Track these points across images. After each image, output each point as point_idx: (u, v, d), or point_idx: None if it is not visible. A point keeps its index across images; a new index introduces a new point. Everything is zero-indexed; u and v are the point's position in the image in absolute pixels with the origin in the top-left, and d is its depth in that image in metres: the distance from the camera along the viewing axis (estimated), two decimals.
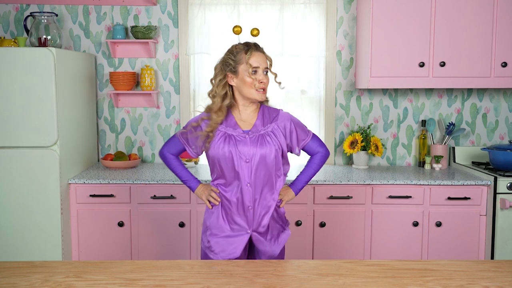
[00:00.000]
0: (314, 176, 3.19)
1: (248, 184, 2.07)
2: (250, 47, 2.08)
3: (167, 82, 3.67)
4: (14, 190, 2.98)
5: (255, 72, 2.06)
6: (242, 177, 2.06)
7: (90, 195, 3.12)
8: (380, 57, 3.26)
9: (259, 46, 2.11)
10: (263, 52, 2.10)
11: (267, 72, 2.09)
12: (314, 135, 2.25)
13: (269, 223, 2.13)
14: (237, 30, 2.32)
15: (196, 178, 2.30)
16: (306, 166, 2.29)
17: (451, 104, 3.68)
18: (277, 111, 2.17)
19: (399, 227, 3.14)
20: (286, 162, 2.19)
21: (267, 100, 2.22)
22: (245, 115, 2.13)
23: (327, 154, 2.28)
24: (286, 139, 2.14)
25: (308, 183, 3.09)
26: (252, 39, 2.29)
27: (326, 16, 3.60)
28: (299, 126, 2.19)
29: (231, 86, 2.12)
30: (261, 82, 2.05)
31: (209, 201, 2.16)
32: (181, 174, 2.28)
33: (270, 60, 2.12)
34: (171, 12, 3.62)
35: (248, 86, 2.06)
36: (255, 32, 2.37)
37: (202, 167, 3.54)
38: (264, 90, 2.08)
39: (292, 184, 2.27)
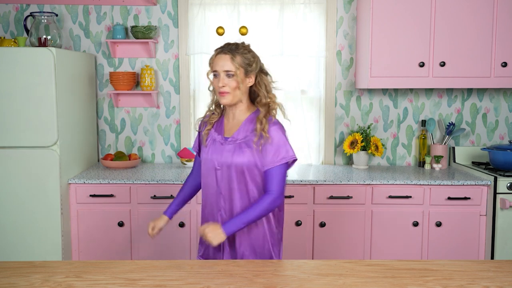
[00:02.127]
0: (314, 176, 3.19)
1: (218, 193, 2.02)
2: (217, 50, 2.02)
3: (167, 82, 3.67)
4: (14, 190, 2.98)
5: (216, 76, 2.01)
6: (211, 184, 2.04)
7: (90, 195, 3.12)
8: (380, 57, 3.27)
9: (228, 48, 2.00)
10: (229, 53, 1.97)
11: (232, 75, 1.97)
12: (283, 166, 1.97)
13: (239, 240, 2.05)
14: (219, 31, 2.32)
15: (173, 207, 2.23)
16: (251, 205, 1.96)
17: (451, 104, 3.68)
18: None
19: (399, 227, 3.14)
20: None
21: (271, 109, 2.03)
22: (234, 121, 2.07)
23: (276, 201, 1.95)
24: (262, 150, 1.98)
25: (309, 183, 3.09)
26: (241, 38, 2.25)
27: (326, 16, 3.60)
28: (277, 143, 1.97)
29: None
30: (220, 86, 1.98)
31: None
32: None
33: (239, 62, 1.97)
34: (171, 12, 3.62)
35: (215, 90, 2.03)
36: (243, 30, 2.36)
37: None
38: (229, 93, 1.98)
39: (224, 224, 1.94)
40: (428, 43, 3.25)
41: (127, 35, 3.63)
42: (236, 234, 2.02)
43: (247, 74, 2.00)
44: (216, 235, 1.90)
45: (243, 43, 2.05)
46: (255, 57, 2.03)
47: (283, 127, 2.02)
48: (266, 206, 1.94)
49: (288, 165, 2.01)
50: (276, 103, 2.04)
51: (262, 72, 2.06)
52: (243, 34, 2.42)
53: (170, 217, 2.23)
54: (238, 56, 1.98)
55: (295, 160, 2.01)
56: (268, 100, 2.03)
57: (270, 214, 2.04)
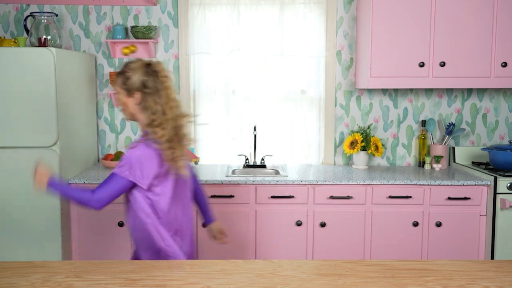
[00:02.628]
0: (314, 176, 3.19)
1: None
2: None
3: None
4: (14, 190, 2.98)
5: None
6: None
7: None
8: (380, 57, 3.27)
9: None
10: (115, 76, 2.06)
11: (116, 92, 2.04)
12: (112, 177, 1.94)
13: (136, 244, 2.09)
14: (124, 51, 2.40)
15: (203, 214, 2.39)
16: (76, 188, 1.98)
17: (451, 104, 3.68)
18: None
19: (399, 227, 3.14)
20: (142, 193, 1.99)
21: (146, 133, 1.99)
22: None
23: (90, 201, 1.92)
24: None
25: (309, 183, 3.09)
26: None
27: (326, 16, 3.60)
28: (123, 157, 1.96)
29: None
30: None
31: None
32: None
33: (119, 83, 2.02)
34: (171, 12, 3.62)
35: None
36: (125, 51, 2.44)
37: (202, 167, 3.54)
38: (122, 112, 2.05)
39: (53, 181, 2.00)
40: (428, 43, 3.25)
41: (127, 35, 3.63)
42: (135, 241, 2.07)
43: (129, 93, 2.00)
44: (40, 180, 1.99)
45: (136, 61, 2.03)
46: (136, 74, 1.97)
47: (143, 150, 1.92)
48: (81, 198, 1.93)
49: (124, 182, 1.93)
50: (153, 126, 1.95)
51: (144, 91, 1.97)
52: (125, 54, 2.50)
53: (209, 222, 2.37)
54: (118, 78, 2.02)
55: (128, 180, 1.93)
56: (146, 119, 1.98)
57: (150, 226, 2.00)
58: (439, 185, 3.11)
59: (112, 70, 3.65)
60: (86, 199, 1.93)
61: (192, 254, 2.15)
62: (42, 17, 3.21)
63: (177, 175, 2.02)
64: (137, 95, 1.98)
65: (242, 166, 3.62)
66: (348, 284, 1.61)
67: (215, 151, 3.72)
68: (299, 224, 3.12)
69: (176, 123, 2.00)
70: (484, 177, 3.18)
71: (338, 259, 2.61)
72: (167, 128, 1.96)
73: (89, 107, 3.54)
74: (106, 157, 3.48)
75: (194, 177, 2.34)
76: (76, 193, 1.95)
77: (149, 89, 1.97)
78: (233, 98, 3.66)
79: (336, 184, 3.11)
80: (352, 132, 3.67)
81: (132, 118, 2.05)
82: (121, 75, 2.00)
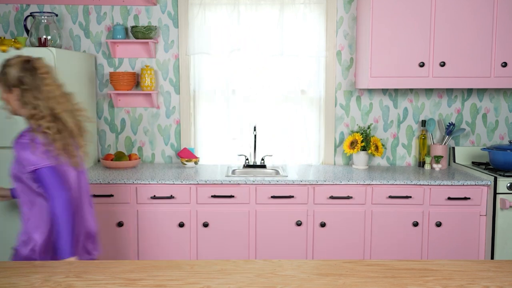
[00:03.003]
0: (314, 176, 3.19)
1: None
2: None
3: (167, 82, 3.67)
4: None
5: None
6: None
7: (90, 195, 3.11)
8: (380, 57, 3.27)
9: None
10: None
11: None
12: (41, 171, 1.96)
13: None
14: (2, 48, 2.40)
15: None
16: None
17: (451, 104, 3.68)
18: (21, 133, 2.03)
19: (399, 227, 3.14)
20: (33, 187, 2.03)
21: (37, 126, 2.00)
22: None
23: (57, 205, 1.95)
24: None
25: (309, 183, 3.09)
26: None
27: (326, 16, 3.60)
28: (19, 154, 1.97)
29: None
30: None
31: None
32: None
33: None
34: (171, 12, 3.62)
35: None
36: (2, 48, 2.45)
37: (202, 167, 3.55)
38: (5, 106, 2.07)
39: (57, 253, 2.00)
40: (428, 43, 3.25)
41: (127, 35, 3.63)
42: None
43: (8, 89, 2.01)
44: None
45: (15, 57, 2.03)
46: (12, 70, 1.99)
47: (27, 141, 1.96)
48: (56, 212, 1.95)
49: (47, 170, 1.96)
50: (37, 120, 1.98)
51: (22, 87, 1.99)
52: (3, 51, 2.53)
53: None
54: None
55: (42, 168, 1.96)
56: (27, 114, 2.00)
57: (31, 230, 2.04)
58: (439, 185, 3.11)
59: (112, 70, 3.65)
60: (59, 210, 1.95)
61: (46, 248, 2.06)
62: (42, 17, 3.21)
63: (75, 168, 2.11)
64: (16, 91, 2.00)
65: (242, 166, 3.62)
66: (348, 284, 1.61)
67: (215, 151, 3.72)
68: (299, 224, 3.12)
69: (67, 117, 2.03)
70: (484, 177, 3.18)
71: (338, 259, 2.61)
72: (60, 121, 2.01)
73: (89, 107, 3.53)
74: (106, 157, 3.48)
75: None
76: (58, 222, 1.95)
77: (27, 86, 1.98)
78: (233, 98, 3.66)
79: (336, 184, 3.11)
80: (352, 132, 3.67)
81: (15, 113, 2.06)
82: (0, 71, 2.02)
